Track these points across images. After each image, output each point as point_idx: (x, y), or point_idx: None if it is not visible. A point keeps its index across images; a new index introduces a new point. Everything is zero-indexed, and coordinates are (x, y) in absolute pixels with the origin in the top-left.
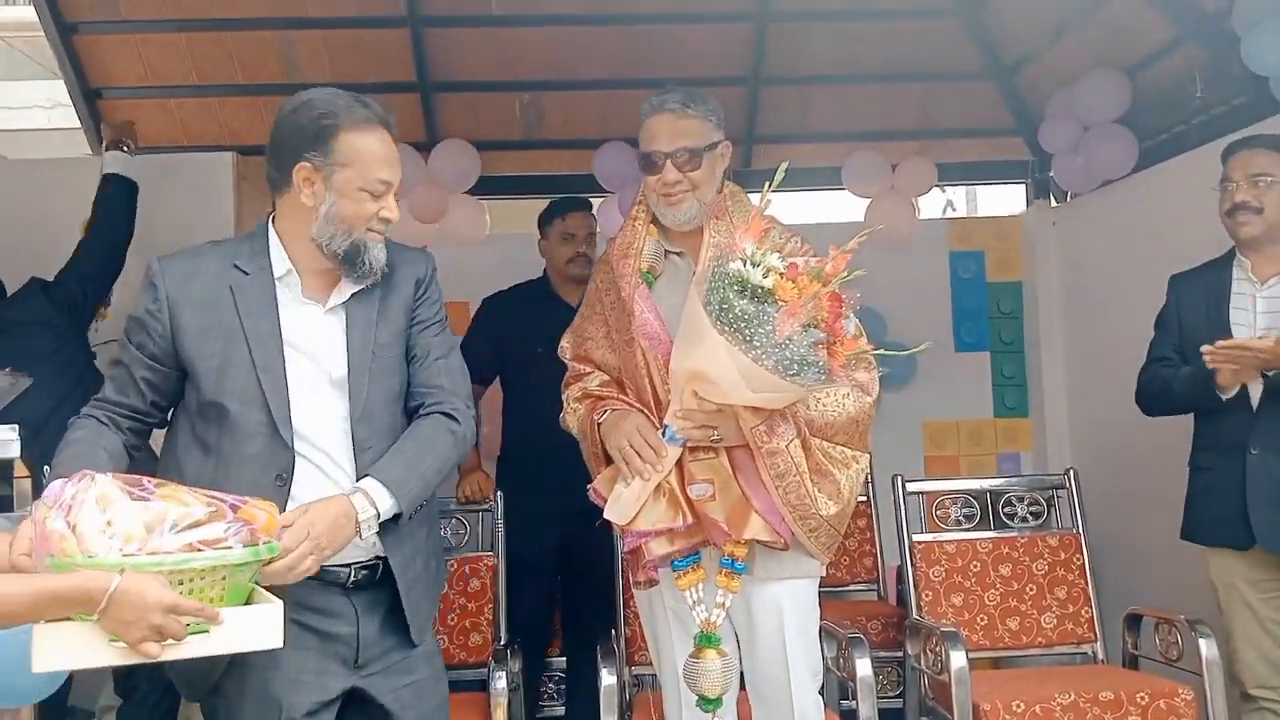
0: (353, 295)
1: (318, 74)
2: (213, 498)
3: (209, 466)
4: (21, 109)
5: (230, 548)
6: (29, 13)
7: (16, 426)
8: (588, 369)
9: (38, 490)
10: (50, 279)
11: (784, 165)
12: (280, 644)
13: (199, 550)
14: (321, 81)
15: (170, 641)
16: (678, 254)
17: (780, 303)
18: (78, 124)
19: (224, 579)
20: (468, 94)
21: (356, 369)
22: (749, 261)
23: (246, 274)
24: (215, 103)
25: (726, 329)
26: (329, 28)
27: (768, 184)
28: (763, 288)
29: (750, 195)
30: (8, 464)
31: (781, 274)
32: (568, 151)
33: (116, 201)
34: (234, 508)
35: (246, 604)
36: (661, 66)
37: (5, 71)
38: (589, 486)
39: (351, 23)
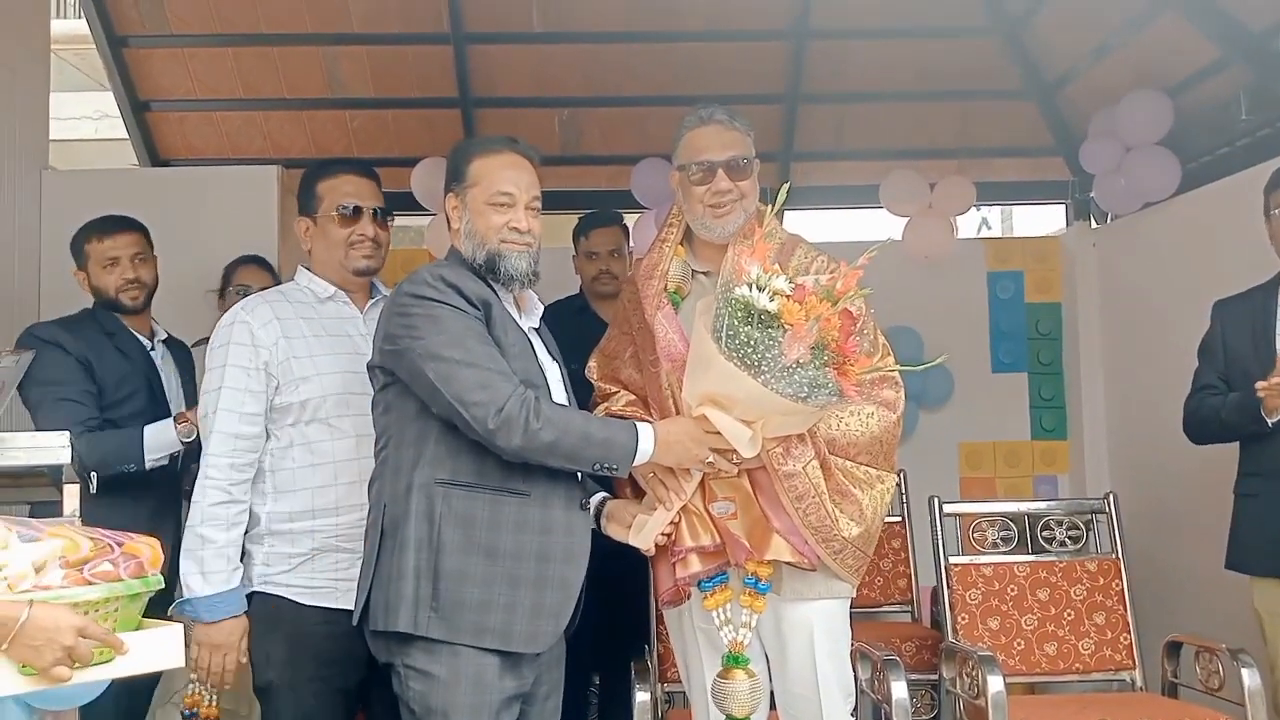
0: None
1: (361, 89)
2: (97, 535)
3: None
4: (69, 120)
5: (121, 580)
6: (77, 26)
7: (67, 433)
8: (614, 389)
9: (85, 497)
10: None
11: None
12: (182, 663)
13: (92, 583)
14: (364, 96)
15: (79, 666)
16: (704, 274)
17: (786, 327)
18: (124, 135)
19: (116, 610)
20: (507, 110)
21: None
22: (754, 285)
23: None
24: (260, 116)
25: (734, 356)
26: (373, 44)
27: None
28: (768, 312)
29: (785, 213)
30: (57, 470)
31: (788, 296)
32: (605, 167)
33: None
34: (118, 544)
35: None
36: (699, 84)
37: (54, 83)
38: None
39: (395, 39)
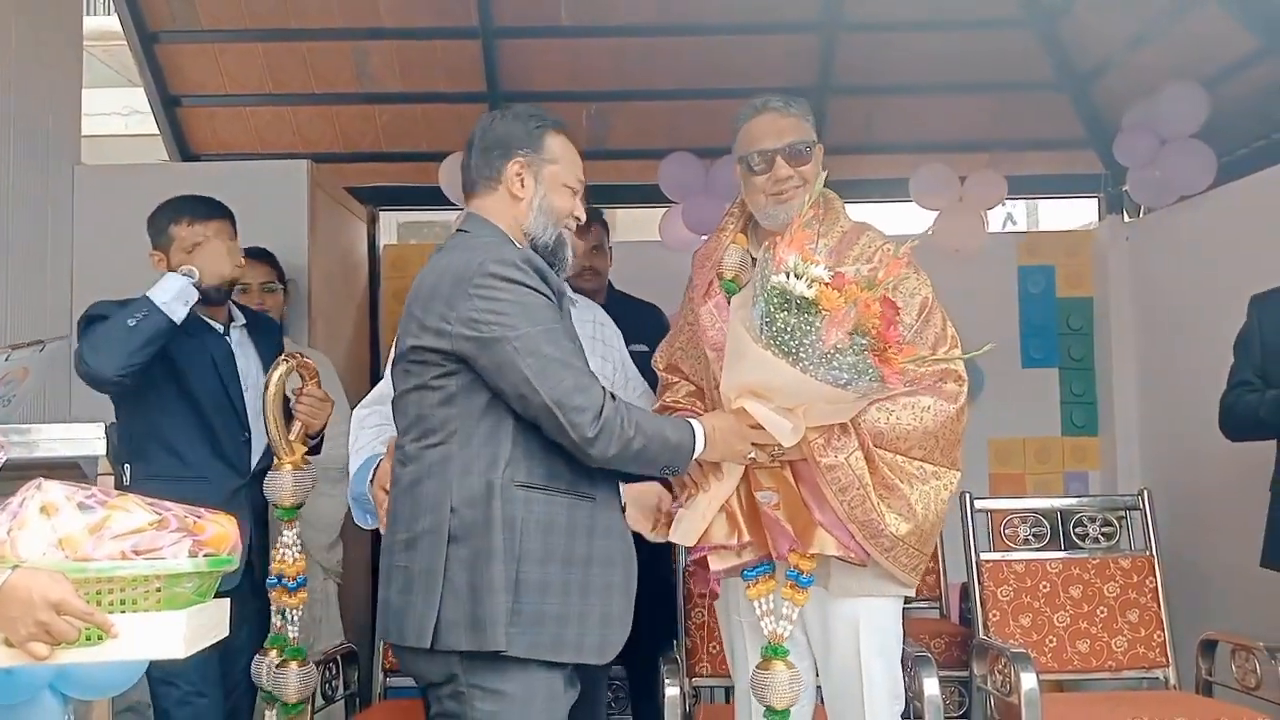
0: None
1: (390, 84)
2: (164, 509)
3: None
4: (99, 115)
5: (163, 557)
6: (107, 22)
7: (103, 424)
8: (675, 379)
9: (120, 488)
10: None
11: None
12: (183, 654)
13: (129, 559)
14: (393, 91)
15: (64, 645)
16: None
17: (824, 312)
18: (154, 130)
19: (158, 589)
20: (536, 104)
21: None
22: (792, 273)
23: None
24: (290, 111)
25: (772, 344)
26: (402, 38)
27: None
28: (805, 298)
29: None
30: (92, 461)
31: (826, 284)
32: (634, 161)
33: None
34: (185, 520)
35: None
36: (729, 77)
37: (85, 79)
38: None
39: (424, 34)
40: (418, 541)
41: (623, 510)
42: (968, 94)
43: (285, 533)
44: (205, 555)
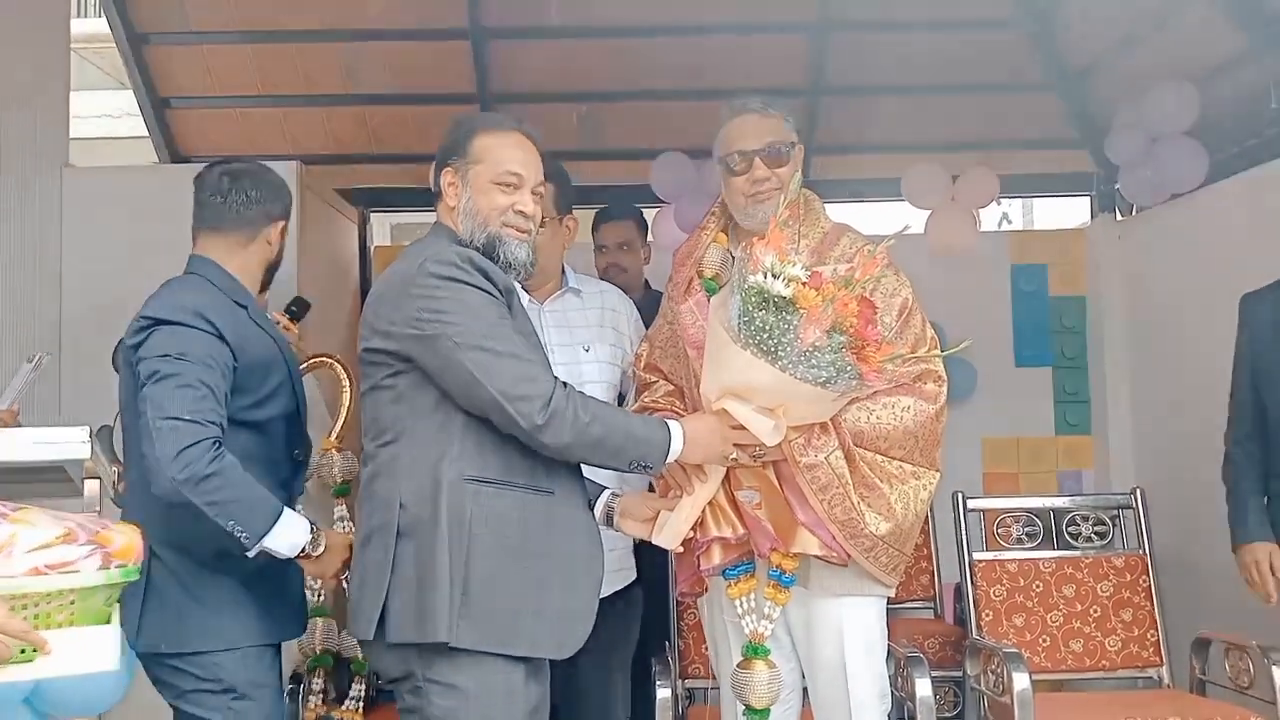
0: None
1: (380, 85)
2: (70, 522)
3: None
4: (90, 118)
5: (77, 571)
6: (98, 25)
7: (88, 428)
8: (653, 378)
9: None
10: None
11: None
12: (115, 666)
13: (44, 574)
14: (383, 93)
15: None
16: None
17: (802, 311)
18: (144, 133)
19: (72, 603)
20: (526, 105)
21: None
22: (769, 273)
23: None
24: (279, 113)
25: (751, 343)
26: (391, 39)
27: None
28: (783, 297)
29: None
30: (77, 465)
31: (804, 283)
32: (625, 162)
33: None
34: (91, 531)
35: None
36: (720, 77)
37: (75, 82)
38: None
39: (413, 35)
40: (370, 538)
41: (606, 515)
42: (959, 94)
43: (336, 509)
44: (117, 567)
